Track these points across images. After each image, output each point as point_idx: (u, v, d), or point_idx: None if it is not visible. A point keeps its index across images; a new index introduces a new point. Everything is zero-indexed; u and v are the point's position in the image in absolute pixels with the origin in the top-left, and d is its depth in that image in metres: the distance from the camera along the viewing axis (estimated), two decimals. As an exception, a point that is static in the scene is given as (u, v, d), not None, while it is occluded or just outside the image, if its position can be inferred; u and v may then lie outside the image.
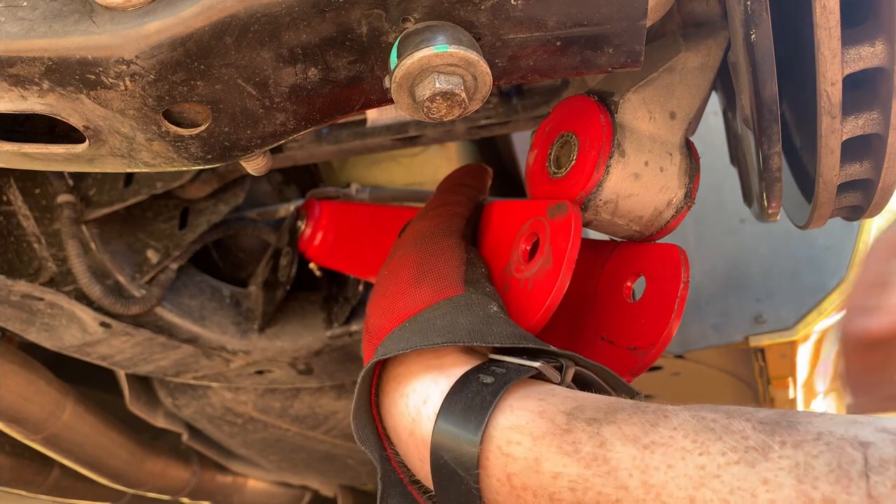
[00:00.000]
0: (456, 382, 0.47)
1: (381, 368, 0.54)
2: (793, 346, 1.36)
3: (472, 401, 0.45)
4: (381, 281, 0.59)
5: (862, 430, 0.35)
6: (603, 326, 0.60)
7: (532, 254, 0.58)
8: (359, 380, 0.50)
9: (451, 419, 0.45)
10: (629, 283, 0.60)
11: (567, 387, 0.48)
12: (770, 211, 0.59)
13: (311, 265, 1.03)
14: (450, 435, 0.44)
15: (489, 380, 0.46)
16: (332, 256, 0.96)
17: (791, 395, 1.43)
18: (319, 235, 0.96)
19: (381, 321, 0.55)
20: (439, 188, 0.70)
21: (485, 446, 0.43)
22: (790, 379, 1.41)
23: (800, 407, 1.45)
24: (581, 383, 0.50)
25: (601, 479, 0.39)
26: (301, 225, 0.98)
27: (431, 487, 0.47)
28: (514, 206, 0.62)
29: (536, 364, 0.47)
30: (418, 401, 0.48)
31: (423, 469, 0.48)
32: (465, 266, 0.56)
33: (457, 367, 0.49)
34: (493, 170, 0.73)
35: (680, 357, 1.43)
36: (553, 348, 0.49)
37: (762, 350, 1.38)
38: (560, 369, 0.48)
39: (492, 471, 0.43)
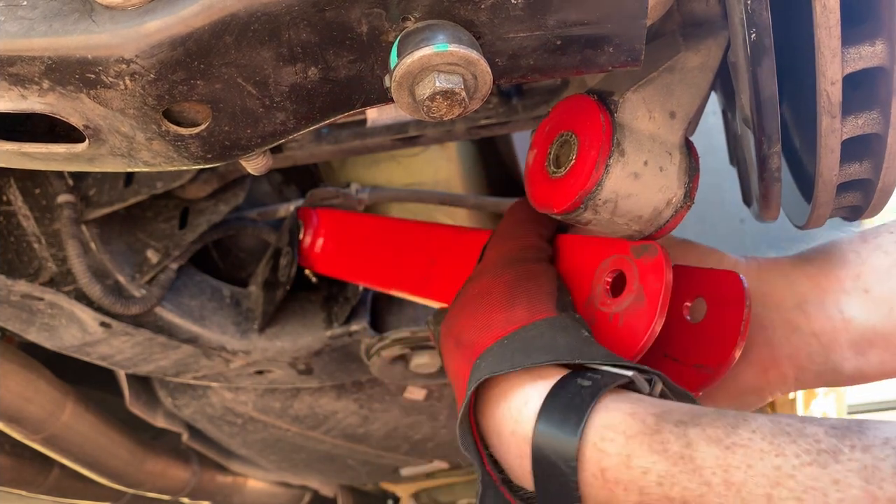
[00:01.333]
0: (555, 385, 0.51)
1: None
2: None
3: (571, 401, 0.49)
4: (469, 300, 0.63)
5: None
6: (665, 344, 0.61)
7: (614, 289, 0.59)
8: (466, 395, 0.54)
9: (552, 418, 0.49)
10: (688, 304, 0.62)
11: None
12: (769, 211, 0.59)
13: (307, 272, 1.04)
14: (550, 432, 0.49)
15: (587, 383, 0.50)
16: (334, 264, 0.97)
17: (791, 396, 1.43)
18: (319, 242, 0.96)
19: (478, 337, 0.58)
20: (512, 210, 0.71)
21: (581, 443, 0.47)
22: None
23: (799, 406, 1.45)
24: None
25: (687, 475, 0.42)
26: (301, 235, 0.98)
27: (526, 484, 0.51)
28: (588, 241, 0.64)
29: (630, 373, 0.51)
30: (520, 403, 0.52)
31: (520, 467, 0.51)
32: (557, 292, 0.60)
33: (554, 375, 0.53)
34: (492, 171, 0.74)
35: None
36: (644, 367, 0.52)
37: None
38: (650, 383, 0.52)
39: (587, 465, 0.47)
